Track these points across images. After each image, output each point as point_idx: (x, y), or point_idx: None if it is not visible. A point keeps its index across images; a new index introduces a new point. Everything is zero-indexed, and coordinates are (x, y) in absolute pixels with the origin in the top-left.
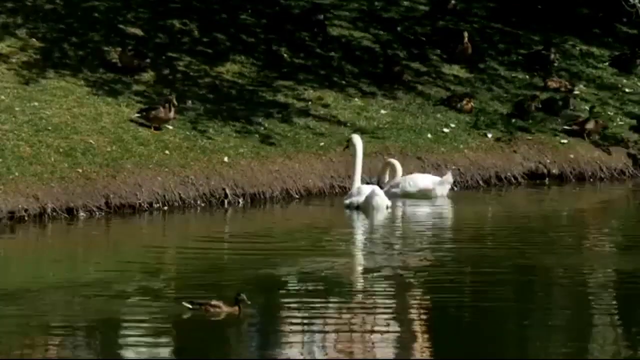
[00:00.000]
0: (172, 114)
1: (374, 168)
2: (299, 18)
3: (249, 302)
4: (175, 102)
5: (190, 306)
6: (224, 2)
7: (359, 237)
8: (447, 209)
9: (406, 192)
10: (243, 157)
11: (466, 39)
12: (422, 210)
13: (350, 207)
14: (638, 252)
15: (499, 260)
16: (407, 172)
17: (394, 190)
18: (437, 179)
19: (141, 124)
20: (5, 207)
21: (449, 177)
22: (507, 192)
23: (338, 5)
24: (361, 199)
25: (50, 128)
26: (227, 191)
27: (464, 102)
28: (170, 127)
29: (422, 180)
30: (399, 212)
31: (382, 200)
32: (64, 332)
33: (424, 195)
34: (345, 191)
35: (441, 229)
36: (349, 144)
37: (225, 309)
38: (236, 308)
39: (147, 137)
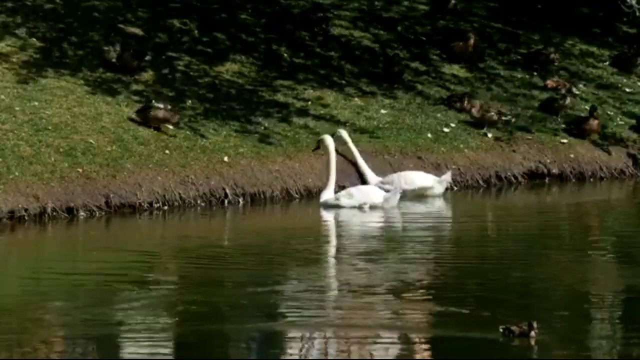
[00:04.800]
0: (170, 115)
1: (375, 168)
2: (299, 18)
3: (537, 331)
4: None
5: (501, 330)
6: (223, 1)
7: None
8: (447, 209)
9: (402, 190)
10: (243, 156)
11: (472, 40)
12: (424, 210)
13: (359, 208)
14: None
15: (501, 267)
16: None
17: (387, 187)
18: (434, 177)
19: (140, 124)
20: (5, 207)
21: (447, 177)
22: (507, 192)
23: (338, 5)
24: (375, 199)
25: (50, 128)
26: (227, 191)
27: (465, 103)
28: (170, 127)
29: (420, 178)
30: (402, 213)
31: (397, 200)
32: (62, 334)
33: (421, 193)
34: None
35: (445, 232)
36: (320, 145)
37: (518, 332)
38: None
39: (147, 136)
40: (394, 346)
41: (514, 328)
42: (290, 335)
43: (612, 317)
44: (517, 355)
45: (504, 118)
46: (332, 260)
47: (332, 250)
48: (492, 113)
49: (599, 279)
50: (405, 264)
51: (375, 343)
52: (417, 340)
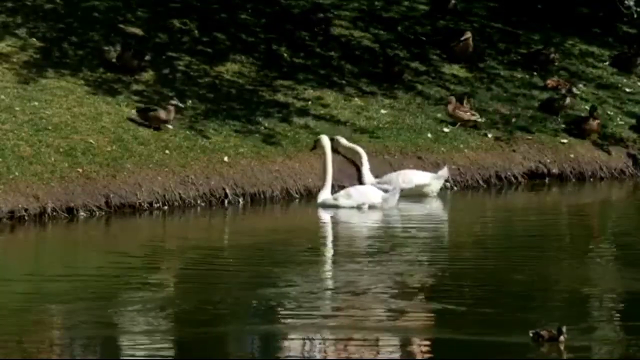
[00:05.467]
0: (172, 116)
1: (375, 168)
2: (299, 18)
3: (567, 336)
4: (180, 104)
5: (530, 334)
6: (223, 1)
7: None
8: (447, 210)
9: (401, 189)
10: (243, 156)
11: (469, 37)
12: (424, 210)
13: (358, 208)
14: None
15: (501, 270)
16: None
17: (384, 187)
18: (431, 174)
19: (140, 124)
20: (5, 207)
21: (444, 172)
22: (507, 192)
23: (338, 5)
24: (373, 199)
25: (50, 128)
26: (227, 191)
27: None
28: (170, 127)
29: (419, 177)
30: (402, 213)
31: (396, 200)
32: (62, 336)
33: (420, 192)
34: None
35: (446, 233)
36: (317, 145)
37: (548, 337)
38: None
39: (147, 136)
40: (425, 352)
41: (543, 332)
42: (290, 337)
43: (632, 319)
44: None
45: (477, 119)
46: (335, 262)
47: (334, 251)
48: (466, 112)
49: (611, 280)
50: (409, 266)
51: (386, 347)
52: (441, 343)
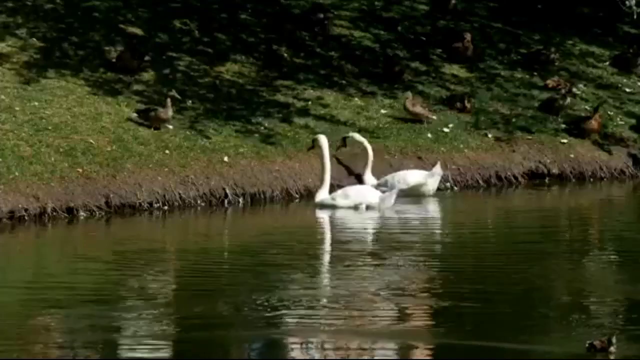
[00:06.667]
0: (170, 113)
1: (375, 168)
2: (299, 18)
3: (616, 347)
4: (177, 96)
5: (587, 345)
6: (224, 1)
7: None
8: (446, 210)
9: (398, 189)
10: (243, 156)
11: (468, 40)
12: (422, 210)
13: (356, 208)
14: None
15: (501, 274)
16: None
17: (381, 188)
18: (425, 172)
19: (140, 124)
20: (5, 207)
21: (438, 169)
22: (507, 192)
23: (338, 5)
24: (371, 199)
25: (50, 128)
26: (227, 191)
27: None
28: (170, 127)
29: (413, 176)
30: (401, 213)
31: (393, 200)
32: (62, 340)
33: (417, 191)
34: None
35: (446, 234)
36: (315, 145)
37: (600, 347)
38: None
39: (147, 136)
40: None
41: (596, 343)
42: (291, 338)
43: (633, 322)
44: None
45: (433, 116)
46: (334, 263)
47: (333, 253)
48: (424, 108)
49: (615, 282)
50: (409, 267)
51: (388, 349)
52: (483, 350)
